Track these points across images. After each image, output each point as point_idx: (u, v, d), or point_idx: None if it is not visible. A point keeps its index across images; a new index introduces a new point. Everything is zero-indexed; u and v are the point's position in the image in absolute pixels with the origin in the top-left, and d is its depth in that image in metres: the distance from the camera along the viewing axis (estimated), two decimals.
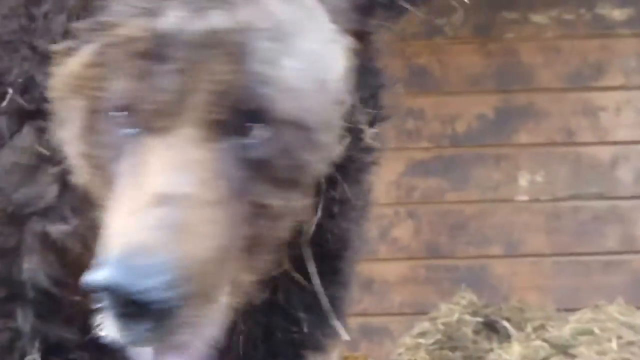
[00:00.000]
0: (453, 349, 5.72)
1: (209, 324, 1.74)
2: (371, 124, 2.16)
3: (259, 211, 1.76)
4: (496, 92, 6.35)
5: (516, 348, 5.23)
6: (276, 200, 1.78)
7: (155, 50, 1.71)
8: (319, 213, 2.08)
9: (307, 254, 2.11)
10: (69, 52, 1.84)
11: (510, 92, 6.34)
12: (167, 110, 1.70)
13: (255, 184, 1.75)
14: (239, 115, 1.72)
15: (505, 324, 5.78)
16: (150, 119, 1.73)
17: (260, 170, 1.75)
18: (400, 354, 5.79)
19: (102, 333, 1.66)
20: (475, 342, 5.73)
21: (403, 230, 6.29)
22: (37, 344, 2.08)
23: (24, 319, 2.05)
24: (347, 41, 1.90)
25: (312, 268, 2.12)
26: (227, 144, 1.73)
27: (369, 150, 2.17)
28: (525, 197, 6.34)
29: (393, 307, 6.29)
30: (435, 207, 6.29)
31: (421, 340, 5.77)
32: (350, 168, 2.12)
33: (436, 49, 6.29)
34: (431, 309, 5.98)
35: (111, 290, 1.54)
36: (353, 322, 5.94)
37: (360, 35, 1.97)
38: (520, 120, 6.33)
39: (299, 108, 1.76)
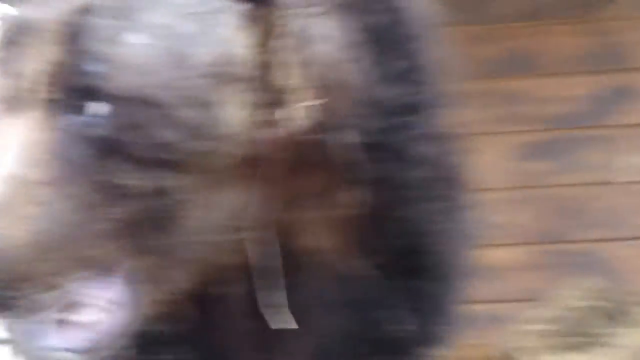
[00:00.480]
0: (569, 334, 5.69)
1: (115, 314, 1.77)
2: (410, 104, 2.13)
3: (119, 192, 1.71)
4: (599, 73, 6.25)
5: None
6: (138, 180, 1.71)
7: (10, 38, 1.75)
8: (344, 195, 2.08)
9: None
10: None
11: (612, 72, 6.23)
12: (13, 95, 1.73)
13: (105, 163, 1.70)
14: (73, 95, 1.70)
15: (623, 308, 5.73)
16: (4, 104, 1.75)
17: (108, 149, 1.70)
18: (514, 340, 5.79)
19: None
20: (591, 327, 5.69)
21: (520, 216, 6.24)
22: (130, 340, 2.17)
23: None
24: (246, 7, 1.85)
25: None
26: (65, 123, 1.70)
27: (400, 125, 2.13)
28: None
29: (507, 294, 6.25)
30: (547, 191, 6.24)
31: (536, 327, 5.76)
32: (383, 144, 2.09)
33: (536, 30, 6.20)
34: (546, 294, 5.95)
35: None
36: (469, 308, 5.97)
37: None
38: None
39: (143, 84, 1.70)
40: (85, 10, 1.70)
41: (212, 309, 2.23)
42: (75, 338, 1.75)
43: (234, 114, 1.84)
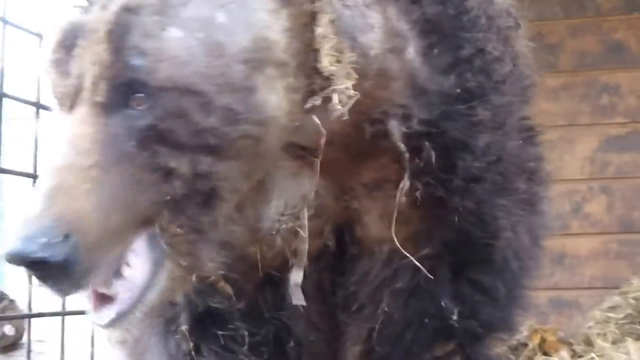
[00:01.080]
0: None
1: (141, 277, 1.85)
2: (472, 92, 2.18)
3: (169, 173, 1.81)
4: None
5: None
6: (182, 163, 1.81)
7: (63, 42, 1.88)
8: (406, 184, 2.15)
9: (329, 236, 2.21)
10: None
11: None
12: (69, 94, 1.86)
13: (154, 148, 1.80)
14: (120, 90, 1.80)
15: None
16: (61, 103, 1.89)
17: (155, 136, 1.80)
18: (590, 328, 5.77)
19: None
20: None
21: (596, 205, 6.26)
22: (186, 315, 2.33)
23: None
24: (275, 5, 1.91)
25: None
26: (114, 116, 1.81)
27: (462, 113, 2.17)
28: None
29: (584, 281, 6.26)
30: (630, 182, 6.22)
31: (611, 315, 5.72)
32: (444, 132, 2.14)
33: (633, 24, 6.21)
34: (622, 283, 5.95)
35: (14, 260, 1.72)
36: (543, 295, 6.08)
37: None
38: None
39: (183, 74, 1.79)
40: (129, 9, 1.81)
41: (272, 292, 2.34)
42: (107, 311, 1.88)
43: (274, 99, 1.90)
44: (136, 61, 1.79)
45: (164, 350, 2.50)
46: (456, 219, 2.22)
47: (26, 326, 4.27)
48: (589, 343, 5.69)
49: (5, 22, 4.04)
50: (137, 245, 1.85)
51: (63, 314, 3.94)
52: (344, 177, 2.15)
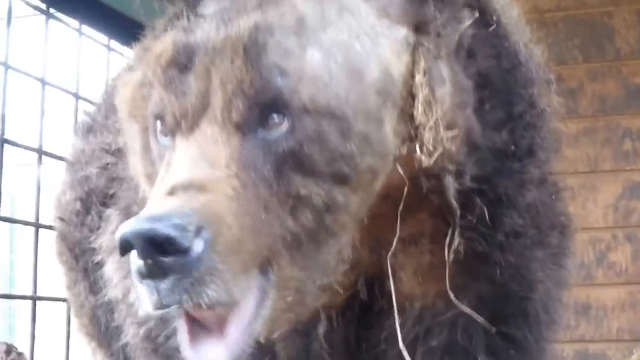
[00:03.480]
0: None
1: (250, 306, 1.75)
2: (524, 149, 2.14)
3: (299, 203, 1.76)
4: None
5: None
6: (316, 192, 1.76)
7: (178, 60, 1.81)
8: (455, 240, 2.09)
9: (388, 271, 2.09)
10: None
11: None
12: (190, 113, 1.78)
13: (288, 175, 1.75)
14: (258, 109, 1.75)
15: None
16: (176, 123, 1.81)
17: (292, 161, 1.75)
18: None
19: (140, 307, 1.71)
20: None
21: (621, 254, 6.13)
22: None
23: None
24: (402, 34, 1.91)
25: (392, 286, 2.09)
26: (250, 136, 1.76)
27: (514, 170, 2.12)
28: None
29: (611, 333, 6.10)
30: None
31: None
32: (495, 189, 2.10)
33: None
34: None
35: (137, 236, 1.60)
36: (569, 348, 5.94)
37: (421, 27, 1.95)
38: None
39: (325, 97, 1.75)
40: (262, 28, 1.77)
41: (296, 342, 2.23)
42: (213, 347, 1.74)
43: (391, 136, 1.89)
44: (278, 80, 1.74)
45: None
46: (497, 272, 2.19)
47: None
48: None
49: (7, 66, 4.01)
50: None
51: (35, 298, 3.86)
52: (385, 232, 2.10)
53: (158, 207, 1.65)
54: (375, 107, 1.82)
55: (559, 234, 2.41)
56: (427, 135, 1.90)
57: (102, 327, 3.22)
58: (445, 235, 2.12)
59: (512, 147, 2.13)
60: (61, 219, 3.40)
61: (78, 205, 3.29)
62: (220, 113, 1.76)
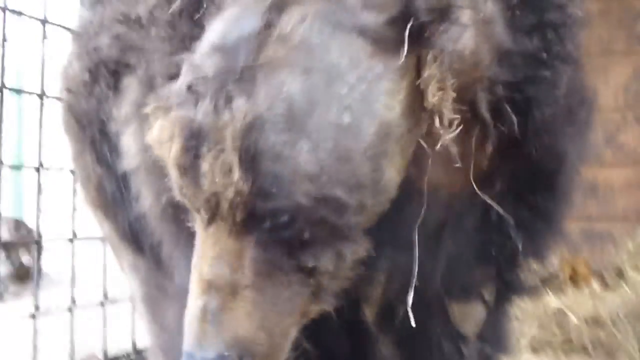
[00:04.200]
0: None
1: None
2: (557, 55, 2.15)
3: (312, 271, 1.90)
4: None
5: None
6: (326, 257, 1.90)
7: (188, 148, 1.86)
8: (489, 147, 2.14)
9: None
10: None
11: None
12: (205, 207, 1.87)
13: (297, 254, 1.88)
14: (258, 212, 1.83)
15: None
16: (197, 210, 1.91)
17: (298, 243, 1.86)
18: (622, 260, 5.79)
19: None
20: None
21: (630, 136, 6.22)
22: None
23: None
24: (400, 61, 1.89)
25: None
26: (257, 231, 1.85)
27: (546, 78, 2.15)
28: None
29: (617, 213, 6.25)
30: None
31: None
32: (526, 96, 2.13)
33: None
34: None
35: None
36: (575, 226, 6.04)
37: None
38: None
39: (317, 188, 1.82)
40: (253, 127, 1.80)
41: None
42: None
43: (394, 169, 1.95)
44: (272, 189, 1.80)
45: None
46: (531, 152, 2.21)
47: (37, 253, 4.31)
48: (620, 275, 5.72)
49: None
50: None
51: (73, 239, 3.93)
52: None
53: (202, 340, 1.87)
54: (369, 172, 1.88)
55: (586, 109, 2.45)
56: (446, 112, 1.92)
57: (109, 197, 3.28)
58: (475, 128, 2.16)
59: (544, 54, 2.15)
60: (68, 90, 3.41)
61: (86, 76, 3.29)
62: (227, 213, 1.85)
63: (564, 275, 5.92)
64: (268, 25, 1.85)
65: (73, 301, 3.78)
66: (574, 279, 5.90)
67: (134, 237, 3.21)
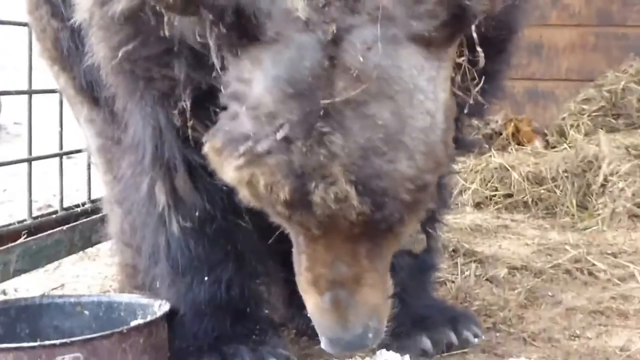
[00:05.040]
0: (616, 116, 5.81)
1: None
2: None
3: (402, 234, 2.25)
4: None
5: None
6: (413, 223, 2.25)
7: (297, 188, 2.02)
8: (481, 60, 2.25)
9: None
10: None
11: None
12: (317, 225, 2.08)
13: (396, 230, 2.17)
14: (376, 220, 2.05)
15: None
16: (306, 230, 2.13)
17: (398, 224, 2.13)
18: (563, 119, 5.91)
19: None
20: (639, 110, 5.78)
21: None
22: (189, 91, 2.35)
23: (179, 69, 2.32)
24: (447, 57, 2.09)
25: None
26: (369, 233, 2.12)
27: None
28: None
29: (560, 73, 6.36)
30: None
31: (585, 107, 5.87)
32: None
33: None
34: (598, 76, 6.06)
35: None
36: (519, 85, 6.15)
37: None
38: None
39: (417, 179, 2.04)
40: (361, 156, 2.01)
41: None
42: None
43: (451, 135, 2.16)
44: (384, 200, 2.04)
45: (151, 122, 2.55)
46: (490, 27, 2.30)
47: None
48: (562, 134, 5.87)
49: None
50: None
51: (30, 93, 3.94)
52: None
53: (344, 324, 2.21)
54: (444, 149, 2.10)
55: None
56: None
57: (65, 50, 3.29)
58: None
59: None
60: None
61: None
62: (345, 228, 2.09)
63: (507, 133, 6.01)
64: (332, 59, 1.96)
65: (30, 153, 3.81)
66: (517, 137, 6.01)
67: (89, 89, 3.24)
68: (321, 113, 1.96)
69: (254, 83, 2.02)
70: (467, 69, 2.19)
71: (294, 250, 2.23)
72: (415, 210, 2.13)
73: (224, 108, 2.10)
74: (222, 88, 2.12)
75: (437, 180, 2.17)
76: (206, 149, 2.14)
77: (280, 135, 1.98)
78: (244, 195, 2.14)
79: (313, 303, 2.21)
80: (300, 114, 1.97)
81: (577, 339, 3.00)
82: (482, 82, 2.23)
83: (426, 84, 2.04)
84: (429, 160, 2.05)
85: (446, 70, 2.11)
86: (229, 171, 2.09)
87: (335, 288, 2.16)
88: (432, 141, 2.05)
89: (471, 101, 2.21)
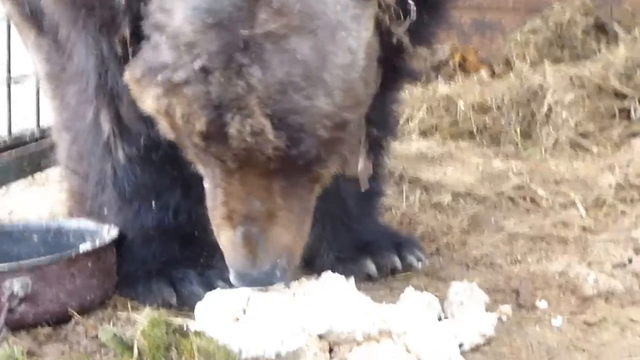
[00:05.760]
0: (561, 47, 5.85)
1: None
2: None
3: (323, 176, 2.26)
4: None
5: (622, 50, 5.23)
6: (334, 164, 2.24)
7: (213, 119, 2.04)
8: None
9: None
10: None
11: None
12: (233, 158, 2.09)
13: (314, 169, 2.17)
14: (292, 155, 2.06)
15: (615, 26, 5.87)
16: (221, 163, 2.13)
17: (315, 162, 2.14)
18: (510, 49, 5.94)
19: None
20: (584, 42, 5.84)
21: None
22: (127, 20, 2.35)
23: None
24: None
25: None
26: (284, 169, 2.11)
27: None
28: None
29: (507, 4, 6.38)
30: None
31: (531, 37, 5.90)
32: None
33: None
34: (544, 7, 6.08)
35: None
36: (466, 16, 6.16)
37: None
38: None
39: (335, 116, 2.08)
40: (279, 90, 2.00)
41: None
42: None
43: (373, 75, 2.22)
44: (301, 135, 2.06)
45: (94, 51, 2.57)
46: None
47: None
48: (508, 64, 5.89)
49: None
50: None
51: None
52: None
53: (253, 260, 2.22)
54: (364, 86, 2.15)
55: None
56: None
57: None
58: None
59: None
60: None
61: None
62: (260, 162, 2.09)
63: (453, 63, 6.05)
64: None
65: None
66: (464, 67, 6.05)
67: (35, 16, 3.23)
68: (241, 45, 1.97)
69: (174, 13, 2.03)
70: (392, 8, 2.23)
71: (208, 185, 2.25)
72: (333, 148, 2.15)
73: (147, 38, 2.11)
74: (145, 18, 2.13)
75: (357, 120, 2.21)
76: (126, 78, 2.15)
77: (197, 64, 1.99)
78: (162, 126, 2.17)
79: (225, 237, 2.23)
80: (219, 44, 1.98)
81: (518, 264, 3.08)
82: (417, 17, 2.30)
83: (350, 21, 2.06)
84: (347, 98, 2.08)
85: (371, 9, 2.13)
86: (147, 100, 2.12)
87: (247, 223, 2.18)
88: (351, 79, 2.08)
89: (394, 41, 2.25)
